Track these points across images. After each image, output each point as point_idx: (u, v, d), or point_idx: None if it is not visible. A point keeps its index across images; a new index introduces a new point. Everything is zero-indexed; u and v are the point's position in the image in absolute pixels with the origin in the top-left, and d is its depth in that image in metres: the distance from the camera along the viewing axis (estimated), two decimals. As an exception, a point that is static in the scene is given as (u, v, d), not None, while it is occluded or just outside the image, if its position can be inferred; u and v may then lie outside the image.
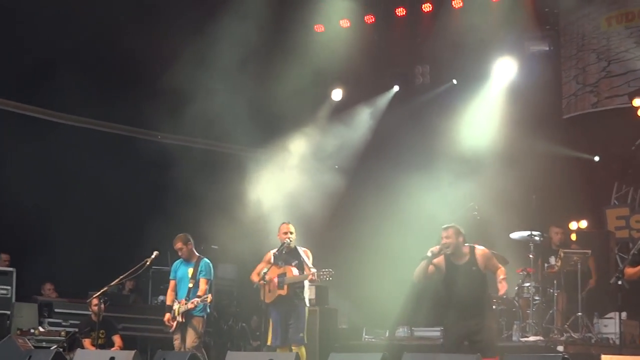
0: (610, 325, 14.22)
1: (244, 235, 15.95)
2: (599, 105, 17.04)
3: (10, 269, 15.62)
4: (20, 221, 16.22)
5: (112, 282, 12.99)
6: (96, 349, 13.54)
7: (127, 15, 16.21)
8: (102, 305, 13.32)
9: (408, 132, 17.63)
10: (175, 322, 12.87)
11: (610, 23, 16.95)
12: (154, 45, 16.31)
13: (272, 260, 12.90)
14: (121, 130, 18.03)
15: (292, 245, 12.91)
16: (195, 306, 12.74)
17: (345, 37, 18.18)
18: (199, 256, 13.19)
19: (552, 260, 14.68)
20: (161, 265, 15.13)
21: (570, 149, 16.71)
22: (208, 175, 16.91)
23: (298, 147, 17.60)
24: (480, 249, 11.00)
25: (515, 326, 14.07)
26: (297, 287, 12.77)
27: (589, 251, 14.45)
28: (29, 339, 13.77)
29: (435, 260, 10.98)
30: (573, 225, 16.59)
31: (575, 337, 13.78)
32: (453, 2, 17.67)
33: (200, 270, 12.98)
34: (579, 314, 14.05)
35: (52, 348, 13.21)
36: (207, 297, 12.69)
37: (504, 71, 17.29)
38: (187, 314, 12.81)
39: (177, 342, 12.93)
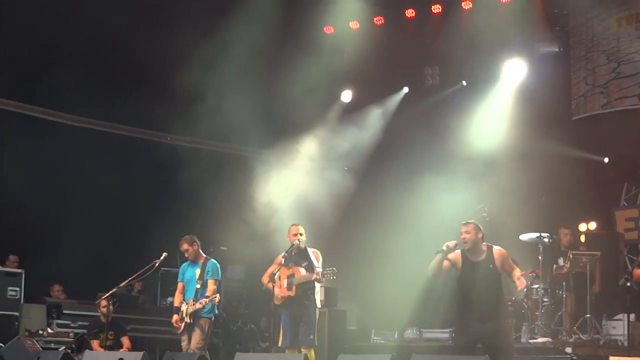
0: (619, 327, 14.17)
1: (253, 237, 15.99)
2: (609, 107, 16.95)
3: (19, 270, 15.69)
4: (29, 222, 16.26)
5: (121, 283, 13.02)
6: (105, 350, 13.60)
7: (133, 15, 16.21)
8: (111, 307, 13.29)
9: (418, 134, 17.57)
10: (183, 324, 12.87)
11: (620, 24, 16.87)
12: (163, 46, 16.34)
13: (282, 262, 12.89)
14: (130, 132, 18.03)
15: (302, 246, 12.89)
16: (204, 306, 12.72)
17: (354, 38, 18.15)
18: (205, 257, 13.19)
19: (561, 261, 14.64)
20: (170, 266, 15.09)
21: (580, 150, 16.63)
22: (217, 177, 16.89)
23: (308, 148, 17.63)
24: (497, 248, 10.98)
25: (524, 327, 14.10)
26: (306, 288, 12.72)
27: (598, 253, 14.38)
28: (37, 340, 13.83)
29: (451, 256, 10.90)
30: (582, 227, 16.50)
31: (584, 338, 13.73)
32: (463, 3, 17.64)
33: (208, 271, 12.99)
34: (588, 315, 13.97)
35: (60, 349, 13.25)
36: (215, 297, 12.67)
37: (514, 72, 17.24)
38: (195, 315, 12.80)
39: (184, 344, 12.93)
